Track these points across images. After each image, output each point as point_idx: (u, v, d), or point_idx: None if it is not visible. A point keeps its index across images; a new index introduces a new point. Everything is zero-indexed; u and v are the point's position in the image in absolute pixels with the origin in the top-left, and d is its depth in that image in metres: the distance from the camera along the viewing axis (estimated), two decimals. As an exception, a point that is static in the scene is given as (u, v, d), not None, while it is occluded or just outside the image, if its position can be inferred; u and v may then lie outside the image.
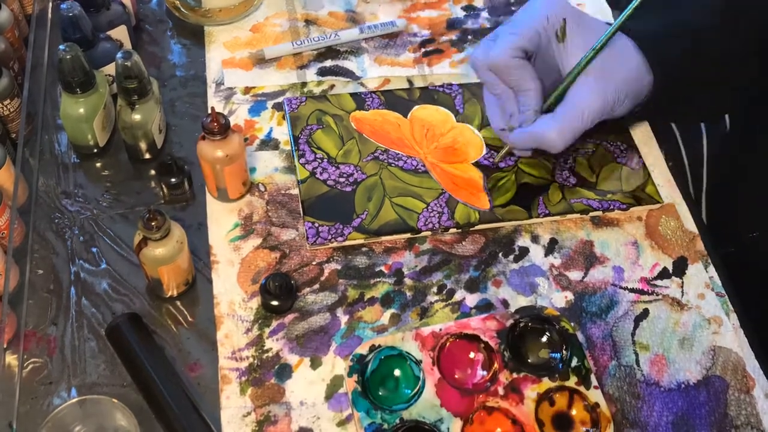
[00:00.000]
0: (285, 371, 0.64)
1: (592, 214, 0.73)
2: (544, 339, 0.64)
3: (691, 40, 0.69)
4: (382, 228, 0.70)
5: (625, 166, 0.76)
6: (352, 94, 0.80)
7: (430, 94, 0.80)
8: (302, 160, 0.74)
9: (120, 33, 0.78)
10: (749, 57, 0.71)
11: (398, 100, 0.79)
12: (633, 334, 0.67)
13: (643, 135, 0.79)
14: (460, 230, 0.71)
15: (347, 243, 0.70)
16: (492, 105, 0.72)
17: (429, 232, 0.71)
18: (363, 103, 0.79)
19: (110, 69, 0.75)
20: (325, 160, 0.74)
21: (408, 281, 0.69)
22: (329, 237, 0.69)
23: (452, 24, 0.88)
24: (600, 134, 0.76)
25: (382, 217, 0.71)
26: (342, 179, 0.73)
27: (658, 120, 0.80)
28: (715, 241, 0.73)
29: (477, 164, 0.75)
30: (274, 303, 0.65)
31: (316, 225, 0.70)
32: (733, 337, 0.67)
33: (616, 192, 0.74)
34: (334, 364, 0.64)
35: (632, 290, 0.69)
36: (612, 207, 0.73)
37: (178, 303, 0.67)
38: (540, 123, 0.68)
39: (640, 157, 0.77)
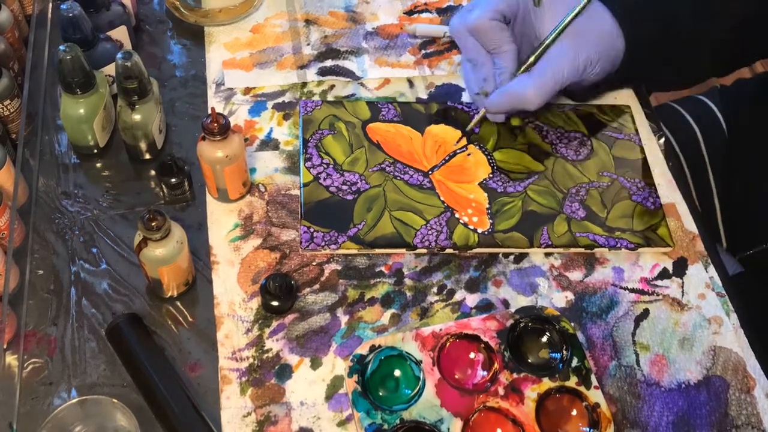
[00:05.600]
0: (285, 371, 0.64)
1: (597, 250, 0.71)
2: (545, 339, 0.64)
3: (663, 9, 0.73)
4: (377, 240, 0.69)
5: (639, 205, 0.73)
6: (368, 103, 0.79)
7: (448, 111, 0.79)
8: (308, 164, 0.74)
9: (120, 33, 0.78)
10: (718, 26, 0.74)
11: (414, 113, 0.78)
12: (633, 334, 0.67)
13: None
14: (456, 251, 0.70)
15: (339, 252, 0.69)
16: (468, 70, 0.75)
17: (424, 250, 0.70)
18: (378, 113, 0.78)
19: (110, 69, 0.75)
20: (331, 165, 0.74)
21: (408, 281, 0.69)
22: (323, 243, 0.69)
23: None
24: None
25: (379, 230, 0.70)
26: (345, 187, 0.73)
27: (632, 84, 0.83)
28: (738, 244, 0.73)
29: (484, 186, 0.74)
30: (275, 303, 0.65)
31: (312, 230, 0.70)
32: (733, 337, 0.67)
33: (626, 230, 0.71)
34: (335, 364, 0.64)
35: (632, 290, 0.69)
36: (619, 245, 0.70)
37: (178, 303, 0.67)
38: (517, 82, 0.71)
39: (658, 197, 0.74)
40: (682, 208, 0.74)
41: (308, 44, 0.85)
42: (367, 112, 0.78)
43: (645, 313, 0.68)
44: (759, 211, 0.87)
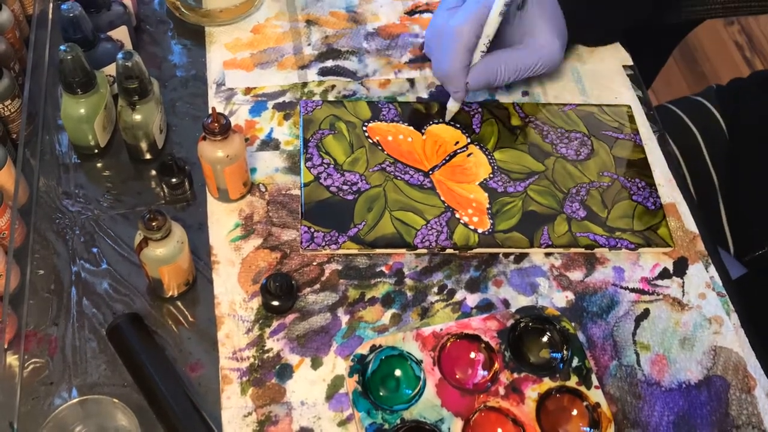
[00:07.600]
0: (286, 371, 0.64)
1: (597, 250, 0.71)
2: (545, 339, 0.64)
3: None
4: (377, 240, 0.69)
5: (639, 205, 0.73)
6: (368, 103, 0.79)
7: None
8: (309, 164, 0.74)
9: (121, 33, 0.78)
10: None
11: (414, 113, 0.78)
12: (634, 334, 0.67)
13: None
14: (456, 251, 0.70)
15: (340, 252, 0.69)
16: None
17: (425, 250, 0.70)
18: (379, 113, 0.78)
19: (111, 69, 0.75)
20: (332, 165, 0.74)
21: (408, 281, 0.69)
22: (323, 243, 0.69)
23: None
24: None
25: (380, 230, 0.70)
26: (345, 187, 0.72)
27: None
28: (744, 246, 0.73)
29: (484, 186, 0.74)
30: (275, 303, 0.65)
31: (312, 230, 0.70)
32: (734, 337, 0.67)
33: (626, 230, 0.71)
34: (335, 364, 0.64)
35: (633, 290, 0.69)
36: (619, 245, 0.70)
37: (179, 303, 0.67)
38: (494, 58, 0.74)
39: (658, 197, 0.74)
40: (683, 208, 0.74)
41: (309, 44, 0.85)
42: (368, 111, 0.78)
43: (645, 313, 0.68)
44: (764, 211, 0.86)
